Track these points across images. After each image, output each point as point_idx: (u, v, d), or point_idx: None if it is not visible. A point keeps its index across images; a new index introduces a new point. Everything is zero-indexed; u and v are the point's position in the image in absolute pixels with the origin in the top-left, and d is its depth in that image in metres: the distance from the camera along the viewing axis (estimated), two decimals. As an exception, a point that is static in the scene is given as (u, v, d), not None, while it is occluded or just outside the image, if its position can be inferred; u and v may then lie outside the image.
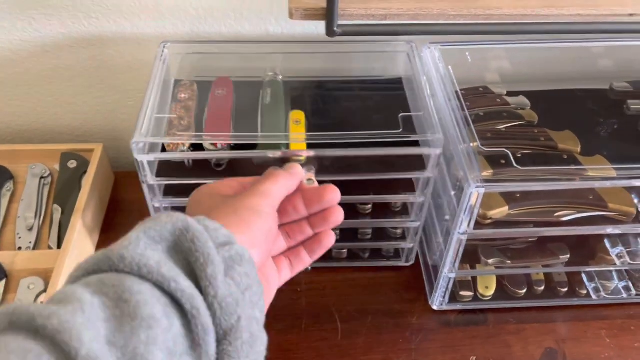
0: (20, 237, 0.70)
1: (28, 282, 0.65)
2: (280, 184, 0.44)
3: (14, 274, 0.66)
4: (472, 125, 0.59)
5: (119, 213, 0.79)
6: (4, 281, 0.65)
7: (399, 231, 0.70)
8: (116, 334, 0.29)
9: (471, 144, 0.57)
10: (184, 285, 0.32)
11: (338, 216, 0.46)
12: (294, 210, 0.46)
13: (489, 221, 0.58)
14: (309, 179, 0.48)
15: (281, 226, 0.46)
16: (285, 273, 0.47)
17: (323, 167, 0.60)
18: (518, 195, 0.58)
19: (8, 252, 0.68)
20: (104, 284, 0.31)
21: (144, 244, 0.33)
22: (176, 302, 0.32)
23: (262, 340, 0.36)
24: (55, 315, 0.27)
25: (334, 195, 0.46)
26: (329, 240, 0.47)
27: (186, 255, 0.34)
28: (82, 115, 0.82)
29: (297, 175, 0.46)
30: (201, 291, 0.33)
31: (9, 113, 0.82)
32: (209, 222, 0.36)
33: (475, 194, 0.53)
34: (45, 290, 0.64)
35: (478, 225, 0.58)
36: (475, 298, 0.68)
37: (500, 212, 0.58)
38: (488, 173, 0.55)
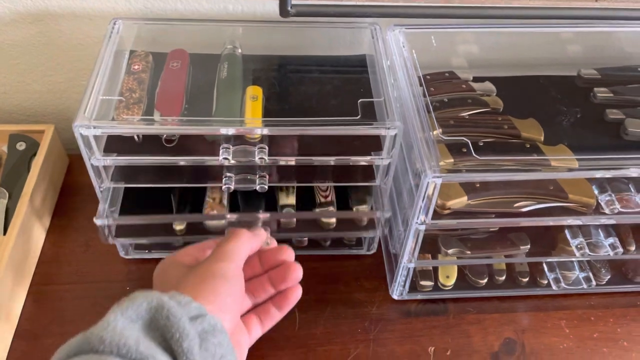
0: (-36, 223, 0.67)
1: (-30, 270, 0.62)
2: (243, 243, 0.47)
3: (-45, 262, 0.63)
4: (432, 113, 0.57)
5: (73, 197, 0.76)
6: (-56, 269, 0.62)
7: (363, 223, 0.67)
8: None
9: (432, 132, 0.55)
10: None
11: (296, 274, 0.50)
12: (251, 269, 0.50)
13: (448, 211, 0.57)
14: (267, 242, 0.52)
15: None
16: (256, 330, 0.49)
17: (278, 148, 0.58)
18: (477, 185, 0.57)
19: (-51, 238, 0.65)
20: None
21: (122, 324, 0.35)
22: None
23: None
24: None
25: (289, 255, 0.51)
26: (295, 295, 0.50)
27: (162, 332, 0.36)
28: (33, 94, 0.79)
29: (260, 237, 0.50)
30: None
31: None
32: (180, 296, 0.39)
33: (432, 183, 0.52)
34: (-12, 279, 0.61)
35: (436, 215, 0.56)
36: (436, 287, 0.67)
37: (459, 202, 0.56)
38: (448, 162, 0.53)
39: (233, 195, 0.66)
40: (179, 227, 0.63)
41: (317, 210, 0.65)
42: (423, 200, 0.54)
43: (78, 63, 0.75)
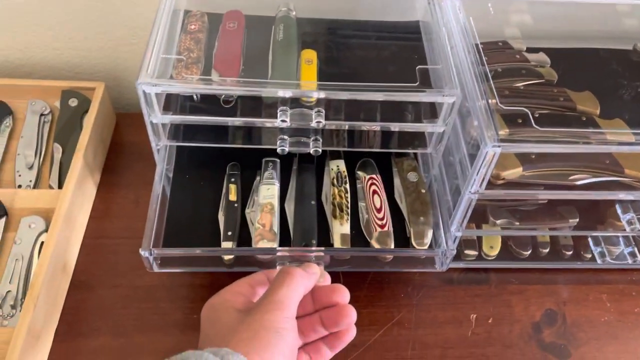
0: (20, 175, 0.69)
1: (29, 221, 0.64)
2: (297, 287, 0.43)
3: (14, 212, 0.65)
4: (491, 82, 0.56)
5: (121, 155, 0.77)
6: (4, 219, 0.64)
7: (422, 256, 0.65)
8: None
9: (489, 101, 0.55)
10: None
11: (349, 319, 0.45)
12: (302, 308, 0.46)
13: (502, 181, 0.57)
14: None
15: None
16: None
17: (332, 112, 0.58)
18: (533, 157, 0.57)
19: (8, 189, 0.67)
20: None
21: None
22: None
23: None
24: None
25: (343, 296, 0.46)
26: (349, 336, 0.46)
27: None
28: (83, 52, 0.79)
29: (314, 276, 0.46)
30: None
31: (5, 45, 0.79)
32: (232, 355, 0.37)
33: (491, 153, 0.52)
34: (46, 230, 0.63)
35: (490, 185, 0.56)
36: (480, 257, 0.67)
37: (514, 172, 0.56)
38: (504, 132, 0.53)
39: (283, 222, 0.63)
40: (227, 256, 0.61)
41: (373, 242, 0.62)
42: (479, 169, 0.54)
43: (129, 22, 0.75)
